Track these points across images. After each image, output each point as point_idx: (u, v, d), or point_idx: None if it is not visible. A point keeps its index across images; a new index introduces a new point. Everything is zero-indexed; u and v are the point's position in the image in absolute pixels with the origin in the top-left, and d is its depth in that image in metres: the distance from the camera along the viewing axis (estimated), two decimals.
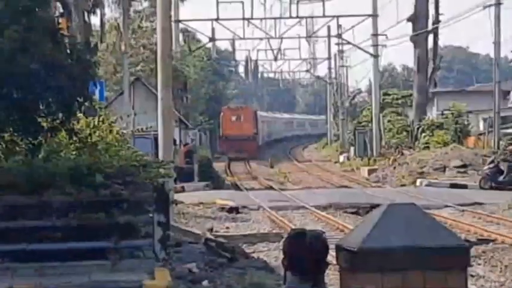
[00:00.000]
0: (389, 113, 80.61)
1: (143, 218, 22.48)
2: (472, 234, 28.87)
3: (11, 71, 20.31)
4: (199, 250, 25.57)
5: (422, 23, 75.31)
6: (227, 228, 32.77)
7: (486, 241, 28.65)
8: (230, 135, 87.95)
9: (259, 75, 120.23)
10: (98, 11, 52.85)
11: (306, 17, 72.75)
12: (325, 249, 6.24)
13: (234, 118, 73.69)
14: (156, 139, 32.78)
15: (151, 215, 22.48)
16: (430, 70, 79.75)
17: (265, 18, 70.36)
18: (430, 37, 77.34)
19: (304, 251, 6.21)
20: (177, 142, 38.54)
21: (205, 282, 21.54)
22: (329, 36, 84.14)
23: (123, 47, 63.04)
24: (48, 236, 21.36)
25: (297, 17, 70.50)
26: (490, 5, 55.82)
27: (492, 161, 50.51)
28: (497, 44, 57.15)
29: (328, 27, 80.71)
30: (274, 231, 31.84)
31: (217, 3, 65.02)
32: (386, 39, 77.57)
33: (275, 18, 71.38)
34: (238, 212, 38.65)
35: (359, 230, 6.70)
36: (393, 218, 6.45)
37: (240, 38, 77.54)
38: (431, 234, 6.41)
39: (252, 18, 67.85)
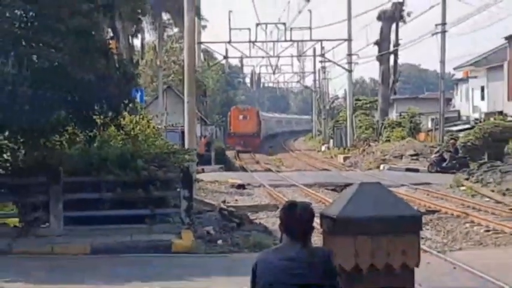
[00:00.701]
0: (360, 114, 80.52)
1: (172, 192, 22.60)
2: (422, 206, 28.77)
3: (72, 80, 20.33)
4: (215, 217, 25.62)
5: (385, 46, 75.20)
6: (236, 200, 32.59)
7: (433, 212, 28.68)
8: (237, 132, 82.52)
9: (261, 85, 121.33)
10: (139, 35, 52.49)
11: (297, 41, 72.42)
12: (311, 217, 6.35)
13: (241, 117, 72.32)
14: (182, 133, 32.70)
15: (178, 190, 22.62)
16: (391, 82, 79.73)
17: (266, 41, 70.07)
18: (392, 57, 77.37)
19: (296, 218, 6.35)
20: (198, 135, 38.39)
21: (219, 241, 21.64)
22: (314, 55, 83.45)
23: (158, 63, 62.88)
24: (100, 206, 21.52)
25: (290, 40, 70.31)
26: (437, 33, 55.54)
27: (438, 151, 50.44)
28: (442, 62, 56.98)
29: (314, 49, 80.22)
30: (271, 203, 31.73)
31: (230, 29, 65.15)
32: (358, 58, 77.58)
33: (274, 41, 71.06)
34: (244, 188, 38.44)
35: (337, 203, 6.69)
36: (363, 194, 6.53)
37: (247, 57, 76.97)
38: (392, 206, 6.49)
39: (256, 41, 67.60)
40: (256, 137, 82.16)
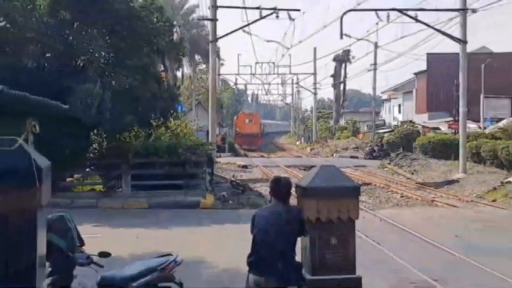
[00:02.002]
0: (321, 121, 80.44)
1: (200, 170, 22.49)
2: (360, 180, 28.67)
3: (137, 98, 20.32)
4: (228, 186, 25.65)
5: (337, 78, 75.25)
6: (241, 175, 32.48)
7: (366, 184, 28.25)
8: (244, 132, 70.42)
9: (258, 102, 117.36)
10: (180, 69, 52.25)
11: (281, 74, 72.80)
12: (290, 187, 6.42)
13: (247, 120, 71.80)
14: (207, 132, 32.60)
15: (204, 168, 22.59)
16: (341, 101, 79.81)
17: (261, 74, 70.52)
18: (342, 85, 77.43)
19: (280, 187, 6.42)
20: (217, 133, 38.37)
21: (230, 201, 21.73)
22: (292, 83, 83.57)
23: (192, 87, 63.12)
24: (154, 178, 21.48)
25: (277, 73, 70.80)
26: (370, 70, 55.38)
27: (370, 146, 50.45)
28: (374, 88, 56.87)
29: (292, 79, 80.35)
30: (264, 177, 31.61)
31: (238, 66, 65.57)
32: (320, 85, 77.35)
33: (266, 74, 71.31)
34: (246, 168, 38.37)
35: (306, 178, 6.61)
36: (323, 172, 6.49)
37: (249, 83, 77.13)
38: (341, 180, 6.45)
39: (255, 74, 68.15)
40: (260, 137, 71.45)
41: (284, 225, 6.15)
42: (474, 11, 29.44)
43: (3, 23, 19.85)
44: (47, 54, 20.00)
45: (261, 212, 6.52)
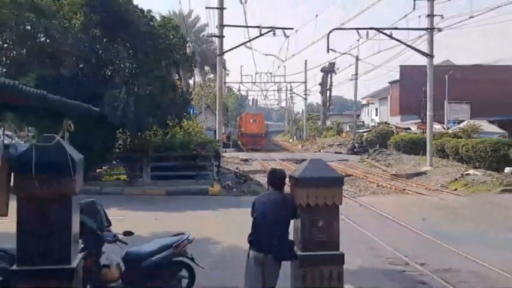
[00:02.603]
0: (310, 122, 79.96)
1: (209, 163, 22.49)
2: (343, 172, 28.64)
3: (156, 102, 20.31)
4: (232, 176, 25.59)
5: (324, 86, 74.76)
6: (243, 167, 32.50)
7: (348, 175, 28.00)
8: (248, 132, 61.55)
9: (257, 105, 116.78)
10: (192, 78, 52.48)
11: (277, 82, 72.54)
12: (284, 177, 6.43)
13: (251, 120, 61.51)
14: (215, 131, 32.60)
15: (212, 162, 22.58)
16: (327, 105, 79.50)
17: (260, 82, 70.01)
18: (328, 92, 77.01)
19: (275, 177, 6.42)
20: (223, 132, 38.27)
21: (234, 189, 21.65)
22: (286, 90, 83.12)
23: (202, 93, 62.95)
24: (170, 169, 21.47)
25: (274, 82, 70.50)
26: (352, 79, 55.18)
27: (352, 143, 50.41)
28: (355, 95, 56.64)
29: (286, 87, 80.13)
30: (262, 169, 31.53)
31: (241, 75, 65.47)
32: (310, 92, 77.12)
33: (264, 82, 70.93)
34: (247, 161, 38.35)
35: (298, 169, 6.56)
36: (312, 165, 6.49)
37: (250, 90, 77.40)
38: (327, 171, 6.43)
39: (255, 82, 67.83)
40: (264, 137, 62.42)
41: (280, 210, 6.17)
42: (440, 29, 29.44)
43: (43, 39, 19.87)
44: (81, 65, 20.00)
45: (260, 198, 6.52)
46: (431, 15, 28.72)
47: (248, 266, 6.22)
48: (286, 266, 6.40)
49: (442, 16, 29.14)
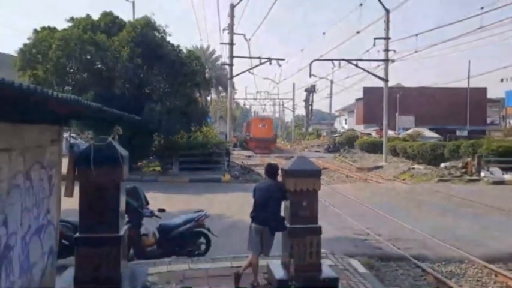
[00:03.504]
0: (297, 129, 79.39)
1: (222, 158, 22.34)
2: (321, 166, 28.59)
3: (183, 113, 20.28)
4: (238, 168, 25.46)
5: (308, 102, 74.44)
6: (247, 162, 32.34)
7: (324, 168, 27.87)
8: (257, 137, 48.10)
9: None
10: (209, 95, 52.29)
11: (272, 99, 72.29)
12: (277, 169, 6.42)
13: (260, 125, 48.76)
14: (226, 135, 32.56)
15: (224, 157, 22.53)
16: (309, 116, 79.22)
17: (260, 99, 69.67)
18: (310, 106, 76.67)
19: (271, 169, 6.42)
20: (232, 135, 38.11)
21: (240, 178, 21.55)
22: (279, 105, 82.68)
23: (217, 107, 62.87)
24: (193, 163, 21.41)
25: (270, 98, 70.39)
26: (327, 97, 54.95)
27: (327, 144, 50.25)
28: (330, 109, 56.45)
29: (279, 102, 79.70)
30: (261, 163, 31.37)
31: (246, 93, 65.89)
32: (297, 106, 76.82)
33: (263, 99, 70.71)
34: (250, 157, 38.03)
35: (288, 163, 6.42)
36: (298, 160, 6.46)
37: (252, 104, 77.54)
38: (310, 165, 6.42)
39: (256, 98, 67.44)
40: (273, 141, 50.99)
41: (274, 194, 6.16)
42: (393, 61, 29.46)
43: (100, 66, 19.89)
44: (127, 86, 19.99)
45: (259, 184, 6.51)
46: (386, 50, 28.69)
47: (250, 235, 6.21)
48: (279, 238, 6.38)
49: (394, 51, 29.16)
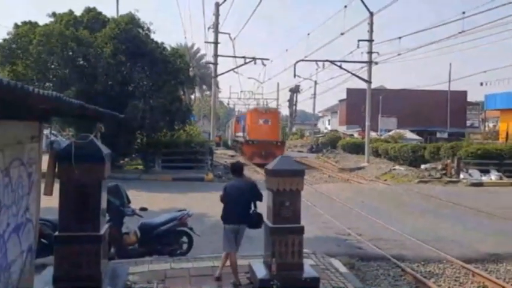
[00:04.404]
0: (283, 129, 79.67)
1: (205, 157, 22.25)
2: (304, 165, 28.78)
3: (167, 110, 20.14)
4: (221, 167, 25.31)
5: (292, 103, 74.59)
6: (230, 161, 32.22)
7: (308, 168, 28.16)
8: (256, 139, 29.74)
9: None
10: (193, 93, 52.01)
11: (257, 99, 72.01)
12: (241, 167, 6.78)
13: (261, 121, 30.35)
14: (209, 134, 32.40)
15: (207, 156, 22.43)
16: (293, 117, 79.32)
17: (244, 98, 69.32)
18: (294, 107, 76.87)
19: (234, 168, 6.71)
20: (215, 134, 37.91)
21: (223, 177, 21.45)
22: (264, 104, 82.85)
23: (200, 105, 62.66)
24: (176, 161, 21.28)
25: (254, 98, 69.93)
26: (311, 97, 55.22)
27: (311, 144, 50.52)
28: (314, 110, 56.77)
29: (263, 102, 79.54)
30: (245, 163, 31.25)
31: (230, 93, 65.46)
32: (281, 106, 76.18)
33: (247, 98, 70.46)
34: (233, 156, 37.91)
35: (272, 163, 6.41)
36: (282, 160, 6.47)
37: (236, 104, 76.81)
38: (293, 165, 6.45)
39: (240, 98, 67.06)
40: (280, 146, 30.56)
41: (243, 193, 6.30)
42: (376, 63, 29.71)
43: (82, 62, 19.64)
44: (110, 83, 19.75)
45: (229, 184, 6.65)
46: (370, 52, 28.96)
47: (226, 236, 6.32)
48: (255, 235, 6.38)
49: (378, 53, 29.42)
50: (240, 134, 34.51)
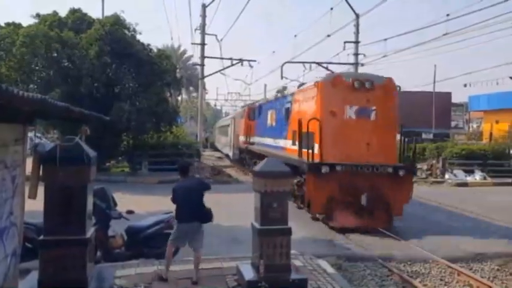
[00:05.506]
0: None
1: (192, 159, 22.15)
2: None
3: (153, 112, 20.03)
4: (209, 169, 25.20)
5: None
6: (217, 163, 32.11)
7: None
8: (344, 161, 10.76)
9: None
10: (180, 95, 51.86)
11: (243, 100, 71.82)
12: (186, 166, 6.93)
13: (352, 110, 9.76)
14: (196, 135, 32.27)
15: (194, 158, 22.31)
16: None
17: (231, 99, 69.13)
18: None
19: (183, 167, 6.83)
20: (203, 136, 37.79)
21: (211, 179, 21.26)
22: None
23: (187, 107, 62.42)
24: (163, 163, 21.18)
25: (241, 99, 69.87)
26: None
27: None
28: None
29: (250, 102, 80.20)
30: (232, 165, 31.21)
31: (217, 94, 65.34)
32: None
33: (234, 100, 70.34)
34: (220, 158, 37.95)
35: (259, 165, 6.46)
36: (268, 161, 6.51)
37: (223, 105, 76.78)
38: (279, 166, 6.48)
39: (227, 99, 66.73)
40: (406, 178, 10.32)
41: (192, 191, 6.40)
42: (362, 64, 29.93)
43: (67, 63, 19.46)
44: (95, 84, 19.61)
45: (178, 184, 6.66)
46: (356, 54, 29.22)
47: (176, 231, 6.46)
48: (243, 237, 6.38)
49: (364, 55, 29.62)
50: (268, 140, 17.52)
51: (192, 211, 6.34)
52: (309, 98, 11.62)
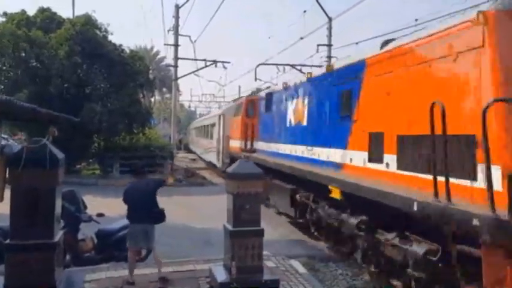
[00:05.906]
0: None
1: (165, 161, 22.06)
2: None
3: (125, 113, 19.80)
4: (182, 171, 25.02)
5: None
6: (191, 165, 31.98)
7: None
8: None
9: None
10: (153, 96, 51.34)
11: (218, 101, 71.66)
12: (140, 167, 6.96)
13: None
14: (170, 137, 32.02)
15: (167, 160, 22.17)
16: None
17: (205, 101, 68.78)
18: None
19: (137, 168, 6.93)
20: (176, 138, 37.55)
21: (184, 181, 21.29)
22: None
23: (161, 108, 61.83)
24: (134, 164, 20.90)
25: (216, 101, 69.62)
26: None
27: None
28: None
29: (225, 105, 80.00)
30: (205, 166, 31.10)
31: (191, 96, 64.77)
32: None
33: (209, 101, 70.04)
34: (194, 160, 37.81)
35: (231, 167, 6.38)
36: (241, 163, 6.52)
37: (197, 107, 76.43)
38: (252, 168, 6.50)
39: (201, 101, 66.51)
40: None
41: (143, 192, 6.42)
42: None
43: (35, 63, 19.03)
44: (65, 85, 19.24)
45: (129, 185, 6.69)
46: (329, 57, 29.59)
47: (129, 233, 6.46)
48: (216, 239, 6.40)
49: (336, 57, 30.03)
50: (287, 147, 10.94)
51: (143, 212, 6.33)
52: (445, 61, 4.94)
